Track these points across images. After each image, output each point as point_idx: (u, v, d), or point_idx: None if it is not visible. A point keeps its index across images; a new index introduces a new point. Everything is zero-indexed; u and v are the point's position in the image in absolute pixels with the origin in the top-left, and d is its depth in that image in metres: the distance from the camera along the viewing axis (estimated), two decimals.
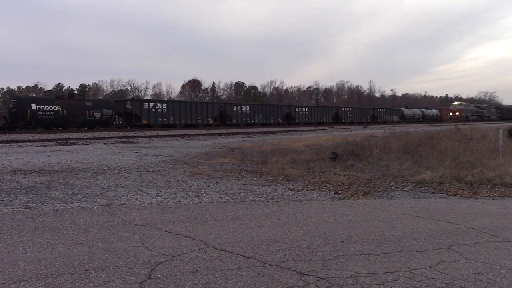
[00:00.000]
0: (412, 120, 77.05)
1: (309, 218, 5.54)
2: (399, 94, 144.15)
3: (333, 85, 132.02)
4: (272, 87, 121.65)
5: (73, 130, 33.21)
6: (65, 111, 33.90)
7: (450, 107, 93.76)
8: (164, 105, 42.59)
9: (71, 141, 19.85)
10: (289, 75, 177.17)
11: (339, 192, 7.62)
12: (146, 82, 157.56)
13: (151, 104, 41.63)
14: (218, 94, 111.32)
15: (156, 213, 5.70)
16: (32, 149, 15.58)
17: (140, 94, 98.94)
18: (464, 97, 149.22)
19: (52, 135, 25.44)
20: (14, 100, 34.69)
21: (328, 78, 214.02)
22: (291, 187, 8.09)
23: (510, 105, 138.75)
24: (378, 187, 8.26)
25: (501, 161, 10.08)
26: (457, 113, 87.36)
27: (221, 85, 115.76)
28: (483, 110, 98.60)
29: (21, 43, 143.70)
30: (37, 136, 24.75)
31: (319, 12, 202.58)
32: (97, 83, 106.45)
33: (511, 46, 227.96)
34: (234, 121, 48.23)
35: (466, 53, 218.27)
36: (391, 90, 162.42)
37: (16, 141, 18.94)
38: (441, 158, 11.51)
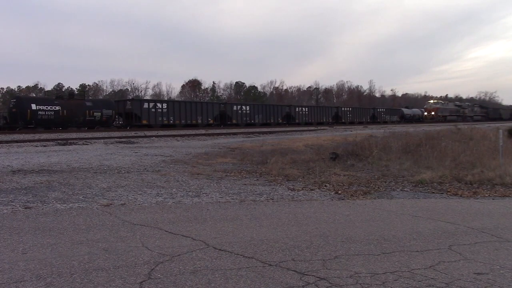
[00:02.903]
0: (412, 120, 76.99)
1: (309, 218, 5.54)
2: (399, 94, 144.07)
3: (333, 85, 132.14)
4: (272, 87, 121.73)
5: (73, 130, 33.21)
6: (65, 111, 33.90)
7: (425, 106, 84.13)
8: (164, 105, 42.60)
9: (71, 141, 19.85)
10: (289, 75, 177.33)
11: (339, 192, 7.62)
12: (146, 82, 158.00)
13: (151, 104, 41.64)
14: (218, 94, 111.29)
15: (156, 213, 5.70)
16: (32, 149, 15.58)
17: (140, 94, 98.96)
18: (464, 97, 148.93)
19: (52, 135, 25.44)
20: (14, 100, 34.68)
21: (328, 78, 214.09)
22: (291, 187, 8.09)
23: (500, 105, 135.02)
24: (378, 187, 8.26)
25: (501, 161, 10.08)
26: (433, 113, 78.80)
27: (221, 85, 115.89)
28: (464, 109, 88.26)
29: (21, 43, 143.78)
30: (37, 136, 24.75)
31: (319, 11, 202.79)
32: (97, 83, 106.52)
33: (511, 46, 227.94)
34: (234, 121, 48.23)
35: (466, 53, 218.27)
36: (391, 90, 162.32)
37: (16, 141, 18.93)
38: (441, 158, 11.51)
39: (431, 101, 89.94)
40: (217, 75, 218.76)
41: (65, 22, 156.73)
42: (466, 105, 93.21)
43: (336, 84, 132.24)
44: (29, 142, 19.01)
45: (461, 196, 7.50)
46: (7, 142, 18.54)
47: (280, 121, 54.28)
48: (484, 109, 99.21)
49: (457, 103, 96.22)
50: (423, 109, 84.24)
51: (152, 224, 5.04)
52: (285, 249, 4.14)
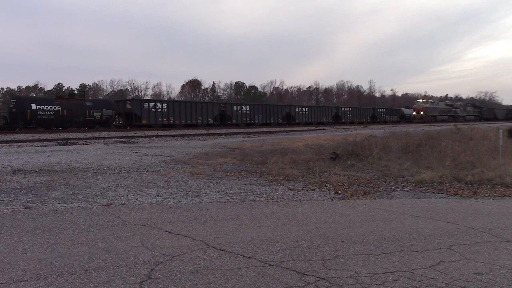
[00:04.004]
0: (412, 120, 76.89)
1: (309, 218, 5.54)
2: (399, 94, 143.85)
3: (333, 85, 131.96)
4: (272, 87, 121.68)
5: (73, 130, 33.20)
6: (65, 111, 33.91)
7: (413, 106, 79.75)
8: (164, 105, 42.60)
9: (71, 141, 19.84)
10: (289, 75, 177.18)
11: (339, 192, 7.62)
12: (146, 82, 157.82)
13: (151, 104, 41.64)
14: (218, 94, 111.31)
15: (156, 213, 5.70)
16: (32, 149, 15.58)
17: (140, 94, 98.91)
18: (464, 97, 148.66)
19: (52, 135, 25.43)
20: (14, 100, 34.70)
21: (328, 78, 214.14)
22: (291, 187, 8.09)
23: (495, 104, 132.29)
24: (378, 187, 8.26)
25: (501, 161, 10.07)
26: (421, 112, 73.90)
27: (221, 85, 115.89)
28: (456, 109, 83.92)
29: (21, 43, 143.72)
30: (37, 136, 24.74)
31: (319, 11, 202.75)
32: (97, 83, 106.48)
33: (511, 46, 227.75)
34: (234, 121, 48.23)
35: (466, 53, 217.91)
36: (391, 90, 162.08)
37: (16, 141, 18.93)
38: (441, 158, 11.51)
39: (420, 100, 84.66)
40: (217, 75, 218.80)
41: (65, 22, 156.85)
42: (458, 105, 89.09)
43: (336, 84, 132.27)
44: (29, 142, 19.01)
45: (461, 196, 7.50)
46: (7, 142, 18.54)
47: (280, 121, 54.27)
48: (478, 109, 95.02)
49: (448, 102, 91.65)
50: None
51: (152, 224, 5.04)
52: (285, 249, 4.14)
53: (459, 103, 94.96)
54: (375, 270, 3.57)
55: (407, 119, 76.16)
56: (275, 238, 4.51)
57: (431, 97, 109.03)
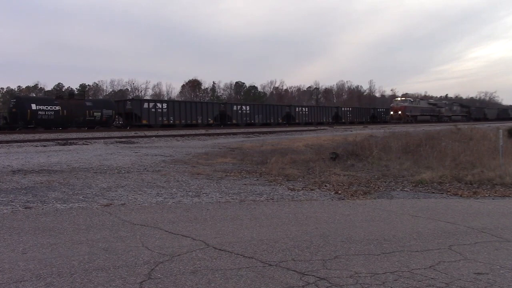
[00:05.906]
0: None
1: (309, 218, 5.54)
2: (399, 94, 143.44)
3: (333, 85, 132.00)
4: (272, 87, 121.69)
5: (73, 130, 33.20)
6: (65, 111, 33.92)
7: (391, 105, 72.11)
8: (164, 105, 42.62)
9: (71, 141, 19.84)
10: (289, 75, 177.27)
11: (339, 192, 7.62)
12: (146, 82, 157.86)
13: (151, 104, 41.66)
14: (218, 94, 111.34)
15: (156, 213, 5.70)
16: (32, 149, 15.58)
17: (140, 94, 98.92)
18: (464, 97, 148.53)
19: (52, 135, 25.43)
20: (14, 100, 34.71)
21: (328, 78, 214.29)
22: (291, 187, 8.09)
23: (489, 103, 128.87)
24: (378, 187, 8.26)
25: (501, 161, 10.07)
26: (399, 112, 66.42)
27: (221, 85, 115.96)
28: (440, 108, 77.01)
29: (21, 42, 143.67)
30: (37, 136, 24.74)
31: (319, 11, 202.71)
32: (97, 83, 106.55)
33: (511, 46, 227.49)
34: (234, 121, 48.25)
35: (466, 53, 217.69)
36: (391, 90, 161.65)
37: (16, 141, 18.93)
38: (441, 158, 11.51)
39: (398, 98, 75.25)
40: (217, 75, 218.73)
41: (65, 22, 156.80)
42: (443, 104, 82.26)
43: (336, 84, 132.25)
44: (29, 142, 19.00)
45: (461, 196, 7.50)
46: (7, 142, 18.53)
47: (280, 121, 54.30)
48: (466, 108, 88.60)
49: (431, 101, 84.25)
50: None
51: (152, 224, 5.04)
52: (285, 249, 4.14)
53: (444, 102, 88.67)
54: (375, 270, 3.57)
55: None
56: (275, 238, 4.51)
57: (411, 95, 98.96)
